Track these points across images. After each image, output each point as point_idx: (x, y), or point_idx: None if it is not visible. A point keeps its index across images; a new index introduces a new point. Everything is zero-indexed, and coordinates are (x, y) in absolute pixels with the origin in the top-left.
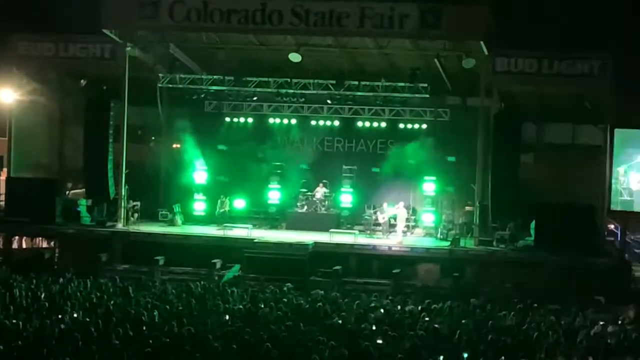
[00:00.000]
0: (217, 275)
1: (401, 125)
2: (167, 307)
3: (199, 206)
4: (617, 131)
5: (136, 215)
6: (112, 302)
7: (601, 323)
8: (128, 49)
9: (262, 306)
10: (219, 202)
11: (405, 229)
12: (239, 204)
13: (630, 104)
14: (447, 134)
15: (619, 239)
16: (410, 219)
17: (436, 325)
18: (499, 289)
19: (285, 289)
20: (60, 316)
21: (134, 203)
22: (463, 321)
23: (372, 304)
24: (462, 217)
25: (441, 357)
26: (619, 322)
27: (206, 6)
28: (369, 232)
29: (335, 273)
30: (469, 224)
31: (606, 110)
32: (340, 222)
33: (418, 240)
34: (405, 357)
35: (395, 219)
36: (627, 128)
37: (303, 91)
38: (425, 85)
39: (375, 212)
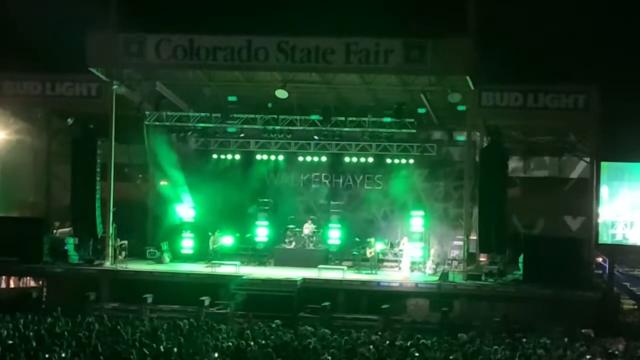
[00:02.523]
0: (205, 313)
1: (388, 160)
2: (156, 345)
3: (187, 244)
4: (603, 164)
5: (124, 253)
6: (100, 341)
7: (588, 357)
8: (114, 87)
9: (251, 343)
10: (211, 238)
11: (411, 264)
12: (227, 240)
13: (615, 137)
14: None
15: (606, 271)
16: (399, 254)
17: None
18: (488, 323)
19: (274, 325)
20: (48, 356)
21: (122, 241)
22: (452, 356)
23: (361, 340)
24: (450, 252)
25: None
26: (608, 355)
27: (192, 43)
28: (357, 267)
29: (324, 309)
30: (457, 258)
31: (592, 143)
32: (328, 258)
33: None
34: None
35: (384, 253)
36: (613, 161)
37: (290, 127)
38: (412, 120)
39: (363, 248)
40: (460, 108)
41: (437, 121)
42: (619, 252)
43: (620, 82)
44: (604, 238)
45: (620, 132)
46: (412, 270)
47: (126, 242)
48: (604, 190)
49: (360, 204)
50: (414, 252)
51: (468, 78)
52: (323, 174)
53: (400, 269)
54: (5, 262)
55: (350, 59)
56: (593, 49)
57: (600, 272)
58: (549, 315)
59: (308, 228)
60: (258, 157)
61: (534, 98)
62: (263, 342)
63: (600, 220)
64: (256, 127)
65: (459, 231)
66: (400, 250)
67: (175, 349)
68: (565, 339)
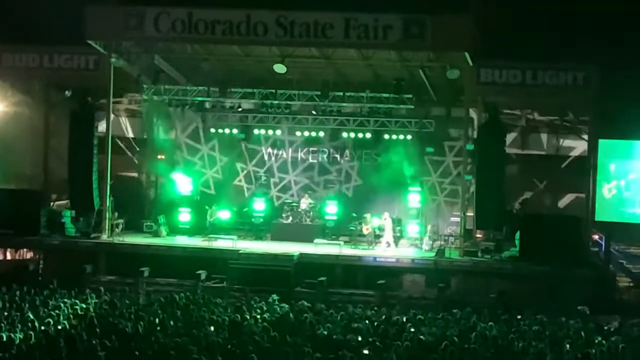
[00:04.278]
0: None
1: (386, 136)
2: (152, 318)
3: (184, 217)
4: (601, 142)
5: (121, 226)
6: (96, 313)
7: (583, 334)
8: (113, 60)
9: (248, 317)
10: (208, 212)
11: (393, 238)
12: (224, 215)
13: (614, 114)
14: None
15: (603, 249)
16: (396, 230)
17: (421, 336)
18: (483, 299)
19: (270, 300)
20: (44, 328)
21: (118, 214)
22: (448, 332)
23: (358, 315)
24: (447, 228)
25: None
26: (604, 332)
27: (191, 17)
28: (354, 243)
29: (320, 284)
30: (454, 234)
31: (590, 121)
32: (325, 233)
33: (403, 251)
34: None
35: (380, 229)
36: (612, 139)
37: (288, 102)
38: (410, 96)
39: (360, 223)
40: (452, 76)
41: (436, 97)
42: (616, 229)
43: (620, 59)
44: (611, 216)
45: (618, 109)
46: (398, 245)
47: (123, 216)
48: (611, 168)
49: (358, 180)
50: (411, 228)
51: (467, 54)
52: (321, 149)
53: (388, 244)
54: (2, 234)
55: (349, 34)
56: (593, 26)
57: (597, 249)
58: (544, 292)
59: (305, 203)
60: (256, 131)
61: (533, 75)
62: (259, 316)
63: (608, 197)
64: (254, 101)
65: (456, 207)
66: (382, 225)
67: (171, 323)
68: (561, 316)
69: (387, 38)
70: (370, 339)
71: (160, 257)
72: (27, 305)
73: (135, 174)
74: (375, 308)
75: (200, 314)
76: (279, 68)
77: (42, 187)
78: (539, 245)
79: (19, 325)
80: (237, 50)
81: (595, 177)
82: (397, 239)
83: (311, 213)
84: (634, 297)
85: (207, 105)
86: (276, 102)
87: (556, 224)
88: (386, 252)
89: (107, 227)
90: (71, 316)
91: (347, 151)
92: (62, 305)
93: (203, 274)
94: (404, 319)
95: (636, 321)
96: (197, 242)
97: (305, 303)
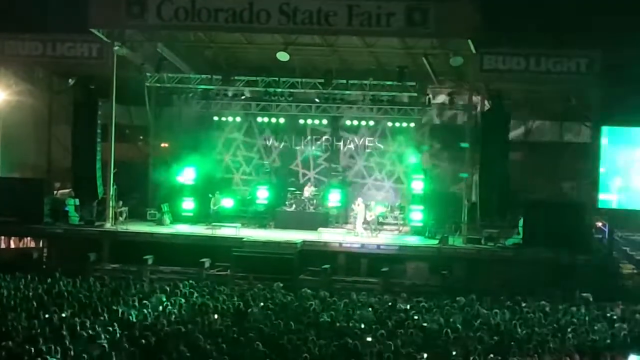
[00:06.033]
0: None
1: (389, 124)
2: (156, 306)
3: (188, 205)
4: (604, 129)
5: (124, 214)
6: (101, 301)
7: (586, 321)
8: (116, 48)
9: (252, 305)
10: (212, 199)
11: (366, 225)
12: (228, 202)
13: (618, 101)
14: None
15: (606, 236)
16: (399, 217)
17: (425, 324)
18: (487, 286)
19: (274, 287)
20: (48, 316)
21: (122, 202)
22: (451, 319)
23: (361, 302)
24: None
25: (430, 355)
26: (607, 319)
27: (194, 5)
28: (357, 230)
29: (324, 271)
30: (458, 221)
31: (594, 107)
32: (328, 221)
33: (406, 238)
34: (394, 355)
35: (384, 217)
36: (615, 125)
37: (291, 90)
38: (413, 83)
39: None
40: (455, 63)
41: (439, 85)
42: (619, 216)
43: (623, 46)
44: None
45: (622, 96)
46: (367, 230)
47: (127, 204)
48: (619, 155)
49: (361, 167)
50: (414, 216)
51: (470, 41)
52: (324, 137)
53: (400, 232)
54: (6, 222)
55: (352, 21)
56: (596, 13)
57: (600, 236)
58: (548, 279)
59: (308, 191)
60: (259, 119)
61: (536, 62)
62: (263, 303)
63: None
64: (257, 89)
65: (459, 195)
66: (353, 211)
67: (175, 311)
68: (564, 303)
69: (390, 25)
70: (373, 326)
71: (164, 245)
72: (31, 293)
73: (139, 162)
74: (379, 295)
75: (204, 302)
76: (282, 56)
77: (46, 175)
78: (542, 232)
79: (23, 314)
80: (240, 38)
81: (598, 163)
82: (400, 226)
83: (314, 201)
84: (637, 284)
85: (210, 93)
86: (279, 90)
87: (559, 210)
88: (358, 237)
89: (110, 215)
90: (75, 304)
91: (349, 139)
92: (66, 293)
93: (207, 262)
94: (408, 307)
95: (639, 308)
96: (201, 230)
97: (309, 291)
